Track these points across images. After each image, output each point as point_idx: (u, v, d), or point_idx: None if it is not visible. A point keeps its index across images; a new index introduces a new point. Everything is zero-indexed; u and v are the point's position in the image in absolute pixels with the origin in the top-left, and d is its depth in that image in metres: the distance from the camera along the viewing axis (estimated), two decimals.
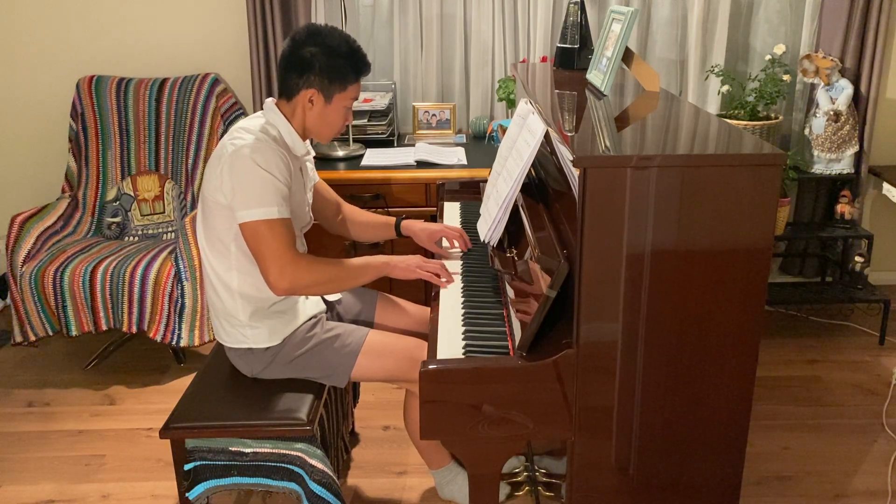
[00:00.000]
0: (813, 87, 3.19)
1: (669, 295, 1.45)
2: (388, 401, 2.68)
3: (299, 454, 1.81)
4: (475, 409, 1.50)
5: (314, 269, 1.79)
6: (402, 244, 2.29)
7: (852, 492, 2.27)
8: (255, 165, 1.71)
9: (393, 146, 3.21)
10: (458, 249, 2.12)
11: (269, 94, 3.25)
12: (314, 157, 2.12)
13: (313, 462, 1.80)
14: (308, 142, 2.05)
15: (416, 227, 2.18)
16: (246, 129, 1.78)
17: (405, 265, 1.93)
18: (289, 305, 1.91)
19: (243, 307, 1.86)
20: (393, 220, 2.22)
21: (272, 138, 1.79)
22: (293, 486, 1.84)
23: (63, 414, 2.74)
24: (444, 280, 1.93)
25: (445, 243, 2.16)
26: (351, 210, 2.24)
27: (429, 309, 1.97)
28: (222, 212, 1.78)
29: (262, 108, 1.91)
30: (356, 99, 1.91)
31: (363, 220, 2.24)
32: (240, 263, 1.82)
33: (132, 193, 3.21)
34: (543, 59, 3.24)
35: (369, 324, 2.11)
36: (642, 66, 2.09)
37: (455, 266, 2.04)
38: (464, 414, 1.51)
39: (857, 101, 3.13)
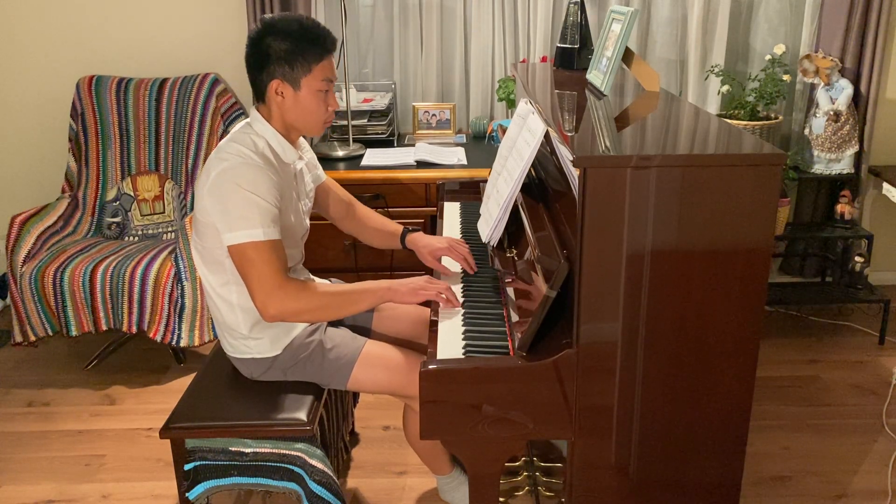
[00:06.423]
0: (813, 87, 3.19)
1: (669, 295, 1.45)
2: (389, 401, 2.67)
3: (299, 454, 1.81)
4: (475, 409, 1.50)
5: (303, 295, 1.71)
6: (402, 252, 2.24)
7: (852, 492, 2.27)
8: (237, 187, 1.66)
9: (393, 146, 3.21)
10: (460, 270, 2.02)
11: None
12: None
13: (313, 462, 1.80)
14: (305, 145, 2.04)
15: (420, 243, 2.08)
16: (231, 150, 1.72)
17: (408, 288, 1.81)
18: None
19: (244, 320, 1.84)
20: (400, 229, 2.15)
21: (259, 154, 1.73)
22: (293, 486, 1.84)
23: (63, 414, 2.74)
24: (448, 300, 1.79)
25: (446, 262, 2.04)
26: (364, 213, 2.18)
27: (428, 309, 1.97)
28: (211, 231, 1.74)
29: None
30: (332, 81, 1.81)
31: (372, 226, 2.17)
32: (236, 278, 1.78)
33: (132, 193, 3.21)
34: (543, 59, 3.24)
35: (366, 329, 2.10)
36: (642, 66, 2.09)
37: (455, 268, 2.03)
38: (464, 414, 1.51)
39: (857, 101, 3.13)
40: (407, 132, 3.44)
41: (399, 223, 2.19)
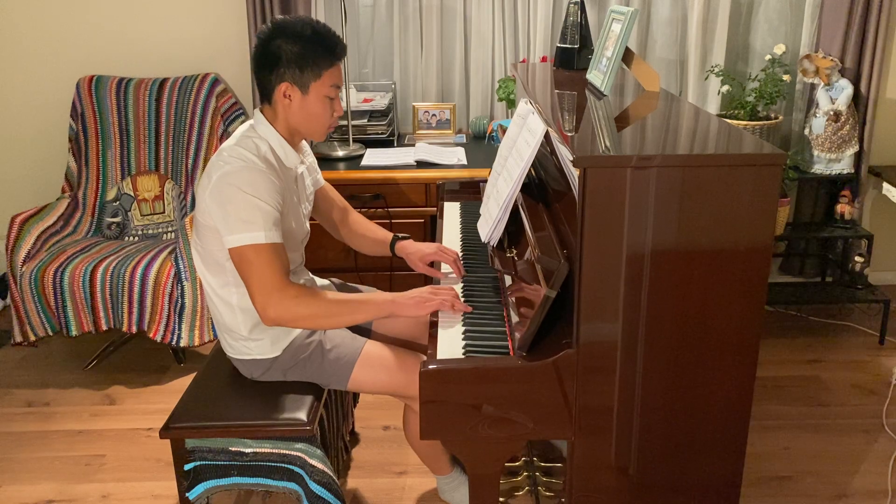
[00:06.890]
0: (813, 87, 3.19)
1: (669, 295, 1.45)
2: (389, 401, 2.67)
3: (299, 454, 1.81)
4: (475, 409, 1.50)
5: (303, 301, 1.69)
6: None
7: (852, 492, 2.27)
8: (240, 190, 1.66)
9: (393, 146, 3.21)
10: (454, 274, 2.01)
11: None
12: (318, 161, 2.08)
13: (313, 462, 1.80)
14: (307, 148, 2.04)
15: (409, 250, 2.09)
16: (234, 153, 1.71)
17: (414, 301, 1.76)
18: None
19: (244, 321, 1.84)
20: (390, 237, 2.14)
21: (262, 157, 1.72)
22: (293, 486, 1.84)
23: (63, 414, 2.74)
24: (456, 308, 1.76)
25: (444, 268, 2.05)
26: (356, 221, 2.18)
27: None
28: (212, 234, 1.74)
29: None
30: (339, 87, 1.80)
31: (363, 233, 2.16)
32: (236, 279, 1.77)
33: (132, 193, 3.21)
34: (543, 59, 3.24)
35: (366, 329, 2.10)
36: (642, 66, 2.09)
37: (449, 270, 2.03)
38: (464, 414, 1.51)
39: (857, 101, 3.13)
40: (407, 132, 3.44)
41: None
